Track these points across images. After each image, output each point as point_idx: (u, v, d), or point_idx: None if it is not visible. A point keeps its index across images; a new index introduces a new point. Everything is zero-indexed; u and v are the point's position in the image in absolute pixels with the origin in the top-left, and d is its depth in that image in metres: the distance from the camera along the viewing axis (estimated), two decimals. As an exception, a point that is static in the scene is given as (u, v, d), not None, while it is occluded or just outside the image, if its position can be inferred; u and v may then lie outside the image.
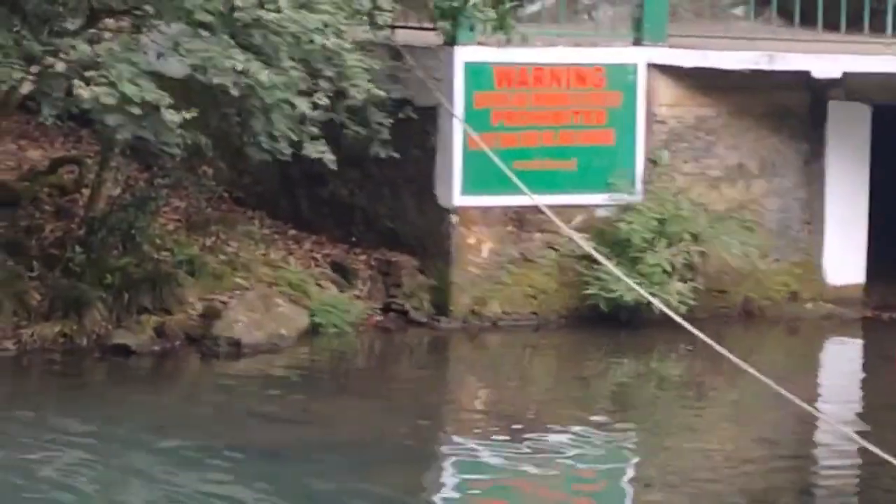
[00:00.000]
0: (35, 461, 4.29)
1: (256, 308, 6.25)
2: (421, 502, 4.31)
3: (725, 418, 5.80)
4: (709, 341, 3.67)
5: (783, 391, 4.10)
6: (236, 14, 5.30)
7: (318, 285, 6.52)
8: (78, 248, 6.19)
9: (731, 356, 3.77)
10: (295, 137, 5.49)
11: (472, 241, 6.54)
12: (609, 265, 4.90)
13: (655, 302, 4.34)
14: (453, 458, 4.91)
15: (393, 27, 6.33)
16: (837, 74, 6.71)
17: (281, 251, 6.68)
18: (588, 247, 5.27)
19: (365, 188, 6.81)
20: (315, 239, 6.90)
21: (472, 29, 6.07)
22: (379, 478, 4.38)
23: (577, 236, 5.30)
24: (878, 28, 7.22)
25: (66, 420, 5.03)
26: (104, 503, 4.10)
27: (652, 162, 6.74)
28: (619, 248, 6.47)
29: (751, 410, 5.74)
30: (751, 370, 4.53)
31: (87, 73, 5.08)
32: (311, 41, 5.34)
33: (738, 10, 8.61)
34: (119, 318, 6.10)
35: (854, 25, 7.21)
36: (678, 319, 3.51)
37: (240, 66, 5.16)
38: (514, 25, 6.07)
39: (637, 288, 4.95)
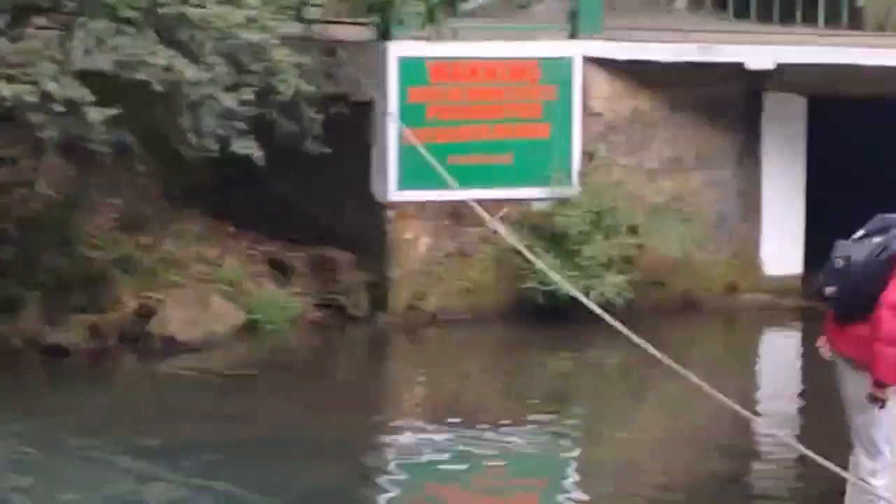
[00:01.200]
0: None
1: (192, 306, 6.24)
2: (351, 494, 4.36)
3: (661, 409, 5.90)
4: (636, 339, 3.65)
5: (708, 388, 4.11)
6: (160, 10, 5.31)
7: (255, 282, 6.52)
8: (11, 248, 6.17)
9: (656, 352, 3.74)
10: (223, 133, 5.51)
11: (408, 236, 6.55)
12: (531, 256, 4.91)
13: (581, 297, 4.36)
14: (388, 451, 4.98)
15: (326, 22, 6.35)
16: (771, 66, 6.76)
17: (217, 249, 6.67)
18: (513, 240, 5.29)
19: (301, 185, 6.79)
20: (252, 236, 6.89)
21: (401, 23, 6.08)
22: (309, 471, 4.45)
23: (501, 229, 5.32)
24: (811, 19, 7.31)
25: (-2, 420, 5.04)
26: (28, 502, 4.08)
27: (588, 155, 6.77)
28: (556, 241, 6.52)
29: (687, 402, 5.72)
30: (674, 365, 4.52)
31: (10, 71, 5.11)
32: (237, 36, 5.38)
33: (676, 3, 8.70)
34: (53, 318, 6.06)
35: (788, 17, 7.30)
36: (607, 318, 3.50)
37: (164, 63, 5.18)
38: (445, 19, 6.09)
39: (564, 282, 4.97)
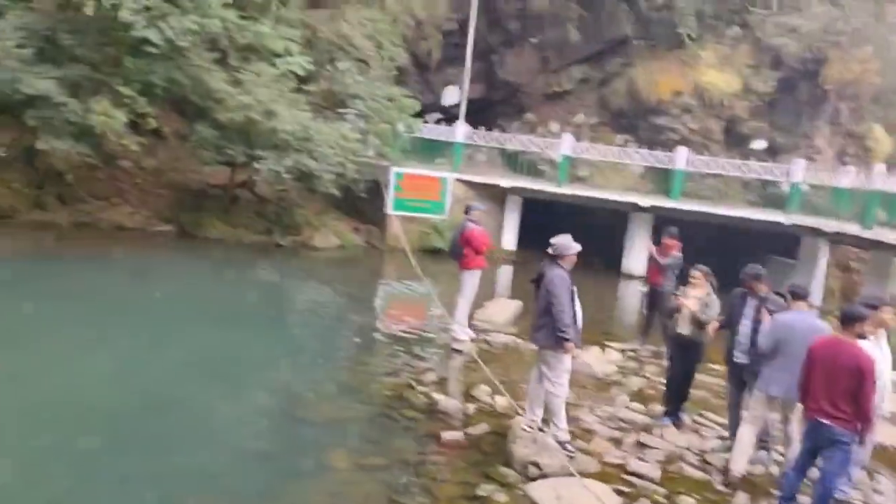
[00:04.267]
0: None
1: (328, 237, 20.82)
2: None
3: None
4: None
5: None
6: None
7: (347, 234, 21.13)
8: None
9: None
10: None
11: (394, 223, 21.42)
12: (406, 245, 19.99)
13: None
14: None
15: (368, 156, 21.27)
16: (511, 185, 21.92)
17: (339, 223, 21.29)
18: (405, 241, 20.39)
19: (369, 203, 21.69)
20: (351, 219, 21.58)
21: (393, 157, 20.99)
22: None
23: (403, 236, 20.30)
24: (542, 175, 22.62)
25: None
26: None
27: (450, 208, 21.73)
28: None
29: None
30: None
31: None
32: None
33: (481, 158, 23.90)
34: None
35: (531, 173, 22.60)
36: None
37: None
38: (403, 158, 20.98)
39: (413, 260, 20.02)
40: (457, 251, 11.46)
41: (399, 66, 22.92)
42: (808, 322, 6.88)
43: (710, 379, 10.37)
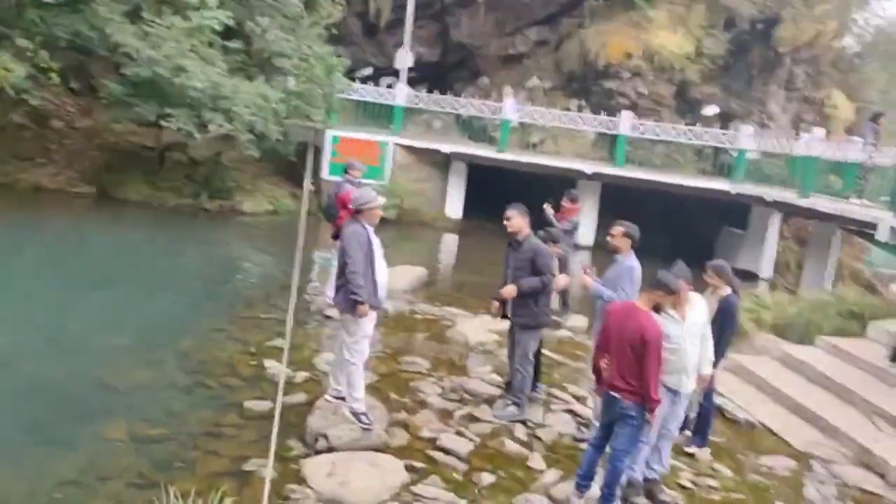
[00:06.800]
0: None
1: (262, 203, 20.16)
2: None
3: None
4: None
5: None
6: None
7: (281, 197, 20.47)
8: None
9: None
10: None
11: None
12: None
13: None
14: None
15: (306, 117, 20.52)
16: (453, 150, 21.16)
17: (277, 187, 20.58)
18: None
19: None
20: (291, 183, 20.87)
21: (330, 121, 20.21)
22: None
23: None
24: (488, 140, 21.85)
25: None
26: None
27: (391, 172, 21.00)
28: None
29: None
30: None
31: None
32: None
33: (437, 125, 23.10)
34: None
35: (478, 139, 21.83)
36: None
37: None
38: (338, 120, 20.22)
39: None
40: (332, 213, 10.75)
41: (344, 26, 22.09)
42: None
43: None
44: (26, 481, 5.47)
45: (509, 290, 7.21)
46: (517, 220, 7.26)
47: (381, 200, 6.63)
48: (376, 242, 6.57)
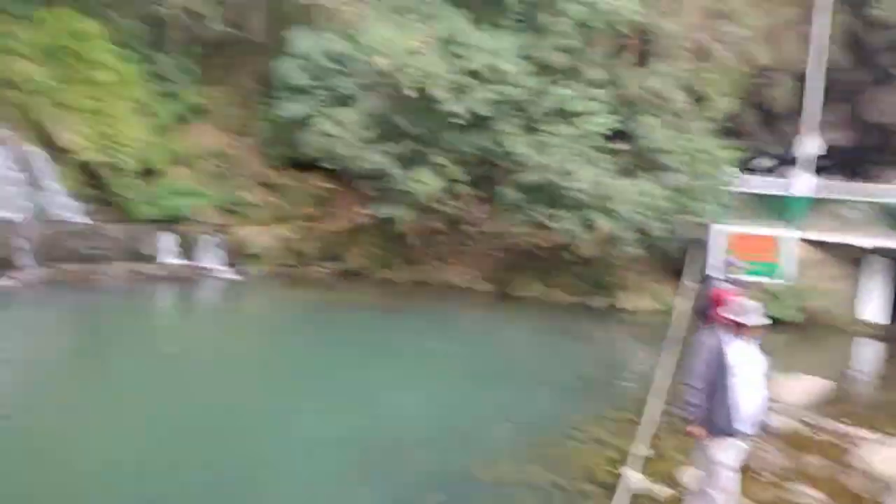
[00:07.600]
0: None
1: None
2: None
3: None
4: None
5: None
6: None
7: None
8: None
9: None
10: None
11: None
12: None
13: None
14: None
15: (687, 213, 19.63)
16: (872, 245, 18.18)
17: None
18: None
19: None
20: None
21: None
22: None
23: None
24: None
25: None
26: None
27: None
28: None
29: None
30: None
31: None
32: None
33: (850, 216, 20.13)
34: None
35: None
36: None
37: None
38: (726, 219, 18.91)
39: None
40: (705, 312, 9.92)
41: (739, 117, 21.15)
42: None
43: None
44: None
45: None
46: None
47: (757, 318, 5.79)
48: (749, 357, 5.74)
